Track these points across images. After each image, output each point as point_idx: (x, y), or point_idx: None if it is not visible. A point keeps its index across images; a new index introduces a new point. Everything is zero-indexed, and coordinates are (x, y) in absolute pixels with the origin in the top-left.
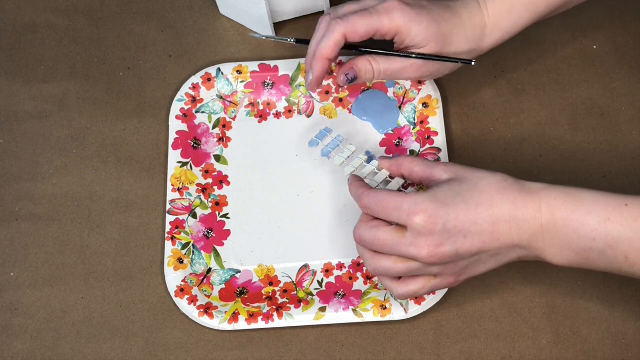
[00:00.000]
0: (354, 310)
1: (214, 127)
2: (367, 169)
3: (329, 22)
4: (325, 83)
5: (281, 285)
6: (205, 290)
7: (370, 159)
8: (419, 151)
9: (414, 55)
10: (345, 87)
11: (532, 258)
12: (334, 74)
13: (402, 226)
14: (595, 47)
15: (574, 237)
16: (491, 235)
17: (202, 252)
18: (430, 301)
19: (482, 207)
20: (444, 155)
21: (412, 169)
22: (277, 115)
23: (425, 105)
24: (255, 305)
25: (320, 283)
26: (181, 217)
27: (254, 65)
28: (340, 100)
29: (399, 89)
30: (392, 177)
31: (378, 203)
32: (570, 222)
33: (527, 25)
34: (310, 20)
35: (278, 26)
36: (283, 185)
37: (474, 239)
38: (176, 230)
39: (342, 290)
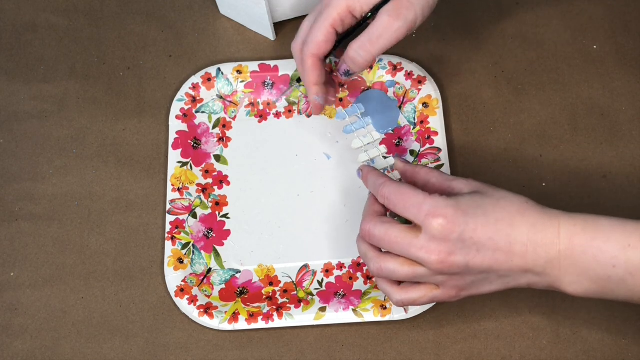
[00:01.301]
0: (354, 310)
1: (214, 127)
2: (380, 163)
3: (296, 54)
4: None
5: (281, 285)
6: (205, 290)
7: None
8: (419, 151)
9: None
10: (348, 79)
11: (543, 286)
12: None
13: (417, 227)
14: (595, 47)
15: (592, 264)
16: (505, 255)
17: (202, 252)
18: None
19: (501, 224)
20: (444, 155)
21: (429, 179)
22: (277, 115)
23: (425, 105)
24: (256, 305)
25: (320, 283)
26: (181, 217)
27: (254, 65)
28: (341, 100)
29: (399, 88)
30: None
31: (399, 195)
32: (589, 249)
33: None
34: None
35: (278, 26)
36: (283, 185)
37: (486, 255)
38: (176, 230)
39: (342, 290)
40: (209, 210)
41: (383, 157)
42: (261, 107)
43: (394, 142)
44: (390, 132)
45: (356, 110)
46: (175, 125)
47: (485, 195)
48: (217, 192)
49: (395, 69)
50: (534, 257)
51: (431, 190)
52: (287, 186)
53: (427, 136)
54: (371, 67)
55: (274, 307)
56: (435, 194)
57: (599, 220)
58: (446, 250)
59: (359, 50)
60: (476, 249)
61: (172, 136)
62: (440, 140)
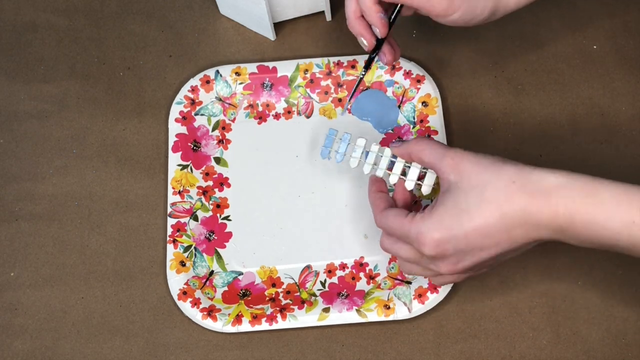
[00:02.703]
0: (357, 311)
1: (213, 129)
2: (383, 161)
3: None
4: (324, 83)
5: (284, 286)
6: (208, 293)
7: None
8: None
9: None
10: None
11: (554, 240)
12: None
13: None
14: (595, 47)
15: (595, 237)
16: (508, 241)
17: (204, 254)
18: (433, 300)
19: (492, 219)
20: None
21: (422, 158)
22: (277, 116)
23: (424, 104)
24: (259, 307)
25: (323, 284)
26: (182, 220)
27: (252, 67)
28: (340, 100)
29: (398, 88)
30: (408, 165)
31: (388, 229)
32: (591, 225)
33: None
34: (310, 20)
35: (278, 26)
36: (284, 186)
37: (490, 249)
38: (178, 233)
39: (345, 290)
40: (210, 213)
41: (380, 155)
42: (260, 109)
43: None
44: (390, 131)
45: (331, 138)
46: (175, 128)
47: (469, 191)
48: (217, 194)
49: (393, 68)
50: (537, 232)
51: (426, 165)
52: (287, 187)
53: (427, 135)
54: (369, 67)
55: (278, 309)
56: (419, 213)
57: (600, 193)
58: (451, 263)
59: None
60: (479, 249)
61: (172, 139)
62: (440, 139)
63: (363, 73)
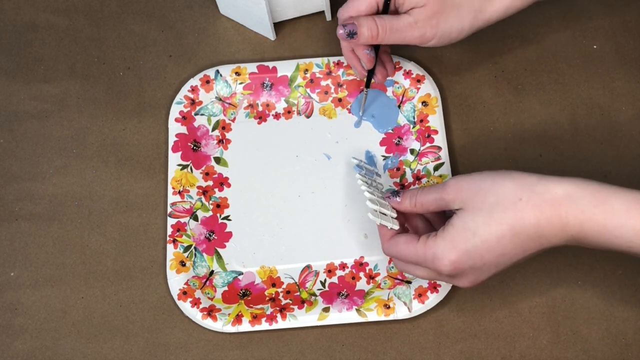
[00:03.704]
0: (357, 310)
1: (213, 129)
2: (386, 211)
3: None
4: (324, 83)
5: (284, 286)
6: (208, 293)
7: (394, 193)
8: (419, 150)
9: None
10: (348, 40)
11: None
12: (331, 75)
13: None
14: (595, 47)
15: (606, 244)
16: (522, 253)
17: (204, 254)
18: (433, 300)
19: (505, 239)
20: (444, 154)
21: (424, 204)
22: (277, 116)
23: (424, 103)
24: (259, 306)
25: (323, 283)
26: (182, 220)
27: (252, 67)
28: (340, 100)
29: (398, 87)
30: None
31: (401, 256)
32: (602, 234)
33: None
34: (310, 20)
35: (278, 26)
36: (284, 186)
37: (506, 263)
38: (177, 233)
39: (345, 290)
40: (210, 213)
41: (385, 206)
42: (260, 109)
43: (394, 142)
44: (390, 131)
45: (372, 164)
46: (175, 128)
47: (476, 214)
48: (217, 194)
49: (393, 68)
50: (549, 244)
51: (434, 211)
52: (287, 187)
53: (427, 135)
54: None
55: (278, 309)
56: (431, 236)
57: (609, 201)
58: (469, 280)
59: (372, 25)
60: (494, 266)
61: (172, 139)
62: (440, 139)
63: (366, 91)
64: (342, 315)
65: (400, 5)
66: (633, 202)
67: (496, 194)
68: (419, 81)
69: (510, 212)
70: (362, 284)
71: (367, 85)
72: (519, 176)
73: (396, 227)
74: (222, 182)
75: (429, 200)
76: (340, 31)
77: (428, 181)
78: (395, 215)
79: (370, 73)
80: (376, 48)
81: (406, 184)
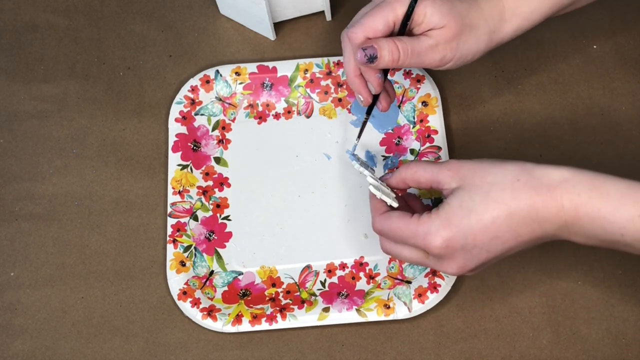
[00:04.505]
0: (357, 310)
1: (213, 129)
2: (385, 189)
3: (344, 37)
4: (324, 83)
5: (284, 286)
6: (208, 293)
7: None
8: (420, 150)
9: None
10: (367, 64)
11: (559, 239)
12: (331, 75)
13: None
14: (595, 47)
15: (600, 231)
16: (515, 239)
17: (204, 254)
18: (433, 300)
19: (499, 219)
20: (444, 154)
21: (417, 180)
22: (277, 116)
23: (424, 103)
24: (259, 306)
25: (323, 283)
26: (182, 220)
27: (252, 67)
28: (340, 100)
29: (398, 88)
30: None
31: (392, 231)
32: (596, 219)
33: (547, 14)
34: (310, 20)
35: (278, 26)
36: (284, 186)
37: (497, 249)
38: (177, 233)
39: (345, 290)
40: (210, 213)
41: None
42: (260, 109)
43: (394, 141)
44: (390, 131)
45: (370, 161)
46: (175, 128)
47: (473, 192)
48: (217, 194)
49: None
50: (542, 230)
51: (425, 188)
52: (287, 187)
53: (427, 135)
54: (370, 113)
55: (278, 309)
56: (425, 213)
57: (606, 185)
58: (458, 264)
59: (393, 48)
60: (486, 251)
61: (172, 139)
62: (440, 139)
63: (366, 118)
64: (342, 315)
65: (417, 25)
66: (628, 190)
67: (495, 174)
68: (419, 81)
69: (508, 192)
70: (362, 284)
71: (369, 112)
72: (518, 162)
73: (395, 204)
74: (222, 182)
75: (425, 175)
76: (360, 55)
77: None
78: (394, 196)
79: (375, 98)
80: (385, 71)
81: None
